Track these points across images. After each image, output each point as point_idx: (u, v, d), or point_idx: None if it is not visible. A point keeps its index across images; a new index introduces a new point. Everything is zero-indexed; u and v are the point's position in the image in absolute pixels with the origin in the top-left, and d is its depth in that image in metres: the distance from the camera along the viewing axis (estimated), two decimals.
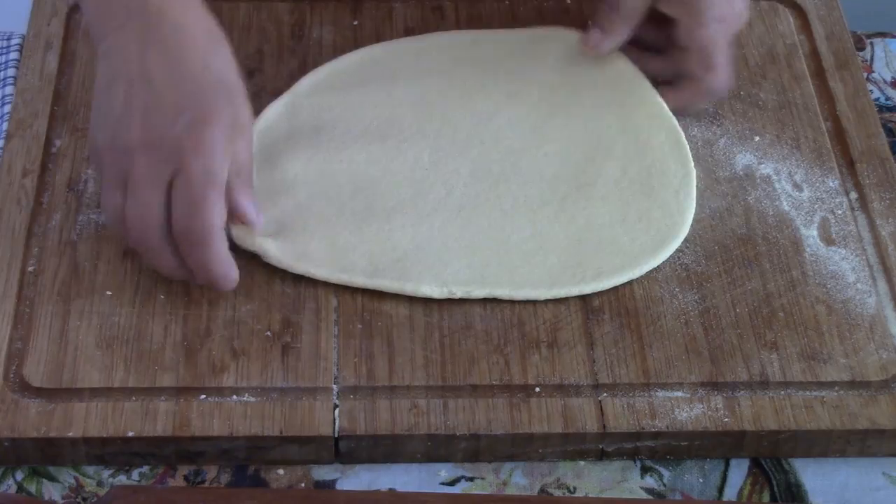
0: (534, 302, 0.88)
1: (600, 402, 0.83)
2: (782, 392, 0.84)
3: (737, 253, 0.92)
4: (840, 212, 0.94)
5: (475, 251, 0.89)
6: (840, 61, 1.04)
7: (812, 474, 0.84)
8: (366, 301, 0.88)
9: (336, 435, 0.81)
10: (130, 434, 0.81)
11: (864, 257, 0.92)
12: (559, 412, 0.83)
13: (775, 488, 0.83)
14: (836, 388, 0.85)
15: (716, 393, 0.84)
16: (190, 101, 0.80)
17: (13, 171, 0.93)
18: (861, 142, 0.98)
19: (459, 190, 0.93)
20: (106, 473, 0.82)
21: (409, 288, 0.87)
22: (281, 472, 0.83)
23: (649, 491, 0.83)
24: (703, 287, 0.90)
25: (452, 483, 0.83)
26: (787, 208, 0.94)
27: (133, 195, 0.80)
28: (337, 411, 0.82)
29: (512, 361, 0.85)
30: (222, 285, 0.84)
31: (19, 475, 0.82)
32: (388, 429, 0.82)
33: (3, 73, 1.00)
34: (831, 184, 0.96)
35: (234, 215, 0.84)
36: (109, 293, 0.87)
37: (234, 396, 0.83)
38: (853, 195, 0.95)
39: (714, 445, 0.84)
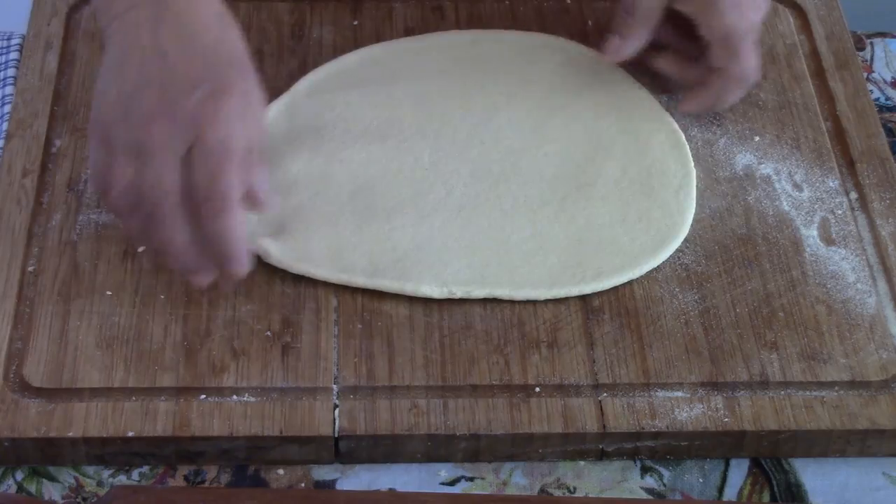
0: (534, 302, 0.88)
1: (600, 402, 0.83)
2: (782, 392, 0.84)
3: (737, 253, 0.92)
4: (840, 212, 0.94)
5: (475, 251, 0.89)
6: (840, 61, 1.04)
7: (812, 474, 0.84)
8: (366, 301, 0.88)
9: (336, 435, 0.81)
10: (130, 434, 0.81)
11: (864, 257, 0.92)
12: (559, 412, 0.83)
13: (775, 488, 0.83)
14: (836, 388, 0.85)
15: (716, 393, 0.84)
16: (205, 73, 0.80)
17: (13, 171, 0.93)
18: (861, 142, 0.98)
19: (459, 190, 0.93)
20: (106, 473, 0.82)
21: (409, 288, 0.87)
22: (281, 472, 0.83)
23: (649, 491, 0.83)
24: (703, 287, 0.90)
25: (452, 483, 0.83)
26: (787, 208, 0.94)
27: (149, 164, 0.78)
28: (337, 411, 0.82)
29: (512, 361, 0.85)
30: (235, 266, 0.81)
31: (19, 475, 0.82)
32: (388, 429, 0.82)
33: (3, 73, 1.00)
34: (831, 184, 0.96)
35: (247, 195, 0.81)
36: (109, 293, 0.87)
37: (234, 396, 0.83)
38: (853, 195, 0.95)
39: (714, 445, 0.84)
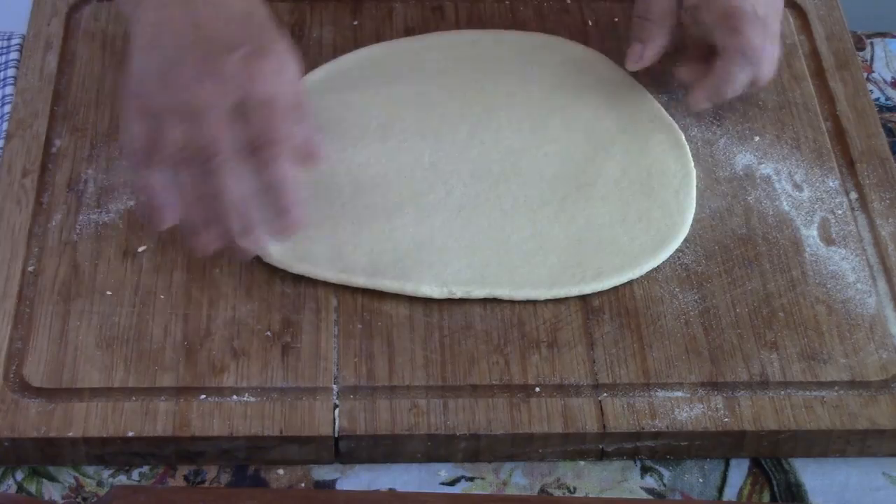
0: (534, 302, 0.88)
1: (600, 402, 0.83)
2: (782, 392, 0.84)
3: (737, 253, 0.92)
4: (840, 212, 0.94)
5: (475, 251, 0.89)
6: (840, 61, 1.04)
7: (812, 474, 0.84)
8: (366, 301, 0.88)
9: (336, 435, 0.81)
10: (130, 434, 0.81)
11: (864, 257, 0.92)
12: (559, 412, 0.83)
13: (775, 488, 0.83)
14: (836, 388, 0.85)
15: (716, 393, 0.84)
16: (241, 37, 0.81)
17: (13, 171, 0.93)
18: (861, 142, 0.98)
19: (459, 190, 0.93)
20: (106, 473, 0.82)
21: (410, 288, 0.87)
22: (281, 472, 0.83)
23: (649, 491, 0.83)
24: (703, 287, 0.90)
25: (452, 483, 0.83)
26: (787, 208, 0.94)
27: (201, 121, 0.79)
28: (337, 411, 0.82)
29: (512, 361, 0.85)
30: (290, 217, 0.82)
31: (19, 475, 0.82)
32: (388, 429, 0.82)
33: (3, 73, 1.00)
34: (831, 184, 0.96)
35: (298, 150, 0.82)
36: (109, 293, 0.87)
37: (234, 396, 0.83)
38: (853, 195, 0.95)
39: (714, 445, 0.84)
